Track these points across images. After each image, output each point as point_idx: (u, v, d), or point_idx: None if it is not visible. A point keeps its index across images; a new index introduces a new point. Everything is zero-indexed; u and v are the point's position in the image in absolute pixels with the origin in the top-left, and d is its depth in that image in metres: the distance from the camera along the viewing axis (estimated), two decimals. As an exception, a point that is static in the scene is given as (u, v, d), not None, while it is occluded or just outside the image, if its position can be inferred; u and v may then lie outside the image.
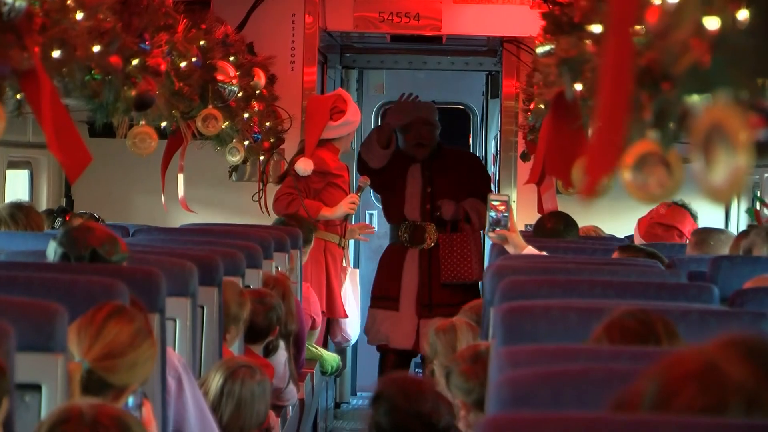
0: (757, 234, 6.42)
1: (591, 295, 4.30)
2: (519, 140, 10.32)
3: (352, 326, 9.66)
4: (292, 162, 9.28)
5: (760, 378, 1.99)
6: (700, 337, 2.24)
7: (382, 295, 10.50)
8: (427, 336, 5.48)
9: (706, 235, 7.38)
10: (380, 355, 10.70)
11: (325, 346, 9.38)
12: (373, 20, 10.29)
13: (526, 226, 9.19)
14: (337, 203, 9.32)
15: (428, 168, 10.49)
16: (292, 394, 6.84)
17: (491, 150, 12.34)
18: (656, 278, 4.94)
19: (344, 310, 9.44)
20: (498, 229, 6.17)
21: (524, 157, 10.06)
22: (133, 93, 5.22)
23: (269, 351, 6.48)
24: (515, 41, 10.37)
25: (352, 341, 10.03)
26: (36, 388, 3.51)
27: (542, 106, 7.01)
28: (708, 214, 9.28)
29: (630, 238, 8.52)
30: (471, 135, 13.64)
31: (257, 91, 8.60)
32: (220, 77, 7.04)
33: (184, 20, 6.22)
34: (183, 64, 6.09)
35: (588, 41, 4.23)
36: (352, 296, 9.64)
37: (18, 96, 3.99)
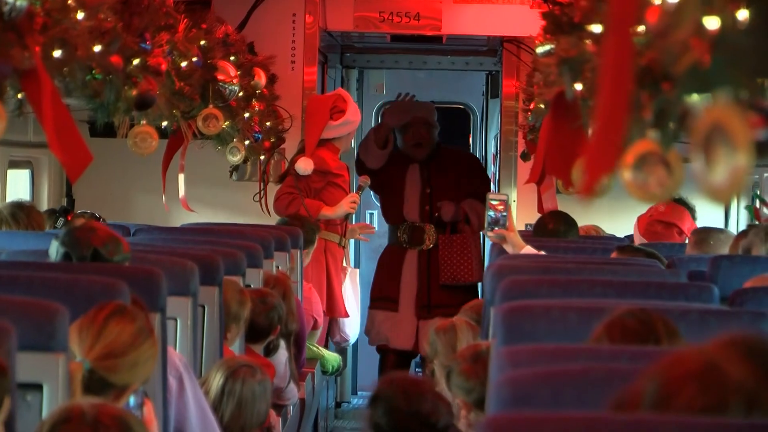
0: (755, 234, 6.43)
1: (591, 294, 4.31)
2: (519, 140, 10.33)
3: (351, 326, 9.66)
4: (293, 161, 9.29)
5: (760, 378, 1.99)
6: (700, 337, 2.24)
7: (381, 296, 10.49)
8: (427, 336, 5.49)
9: (705, 234, 7.38)
10: (380, 355, 10.70)
11: (325, 345, 9.38)
12: (374, 20, 10.30)
13: (526, 225, 9.20)
14: (337, 203, 9.33)
15: (427, 168, 10.46)
16: (293, 393, 6.84)
17: (491, 150, 12.34)
18: (656, 278, 4.94)
19: (345, 310, 9.44)
20: (496, 228, 6.17)
21: (524, 156, 10.06)
22: (134, 92, 5.22)
23: (270, 350, 6.48)
24: (515, 41, 10.38)
25: (352, 341, 10.03)
26: (37, 387, 3.52)
27: (542, 106, 7.01)
28: (708, 214, 9.28)
29: (630, 237, 8.52)
30: (471, 135, 13.64)
31: (258, 91, 8.61)
32: (220, 77, 7.05)
33: (185, 20, 6.22)
34: (184, 64, 6.10)
35: (588, 41, 4.24)
36: (352, 296, 9.64)
37: (19, 95, 3.99)
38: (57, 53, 4.00)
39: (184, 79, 6.13)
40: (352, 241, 10.34)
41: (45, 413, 3.45)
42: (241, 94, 7.69)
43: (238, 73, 7.46)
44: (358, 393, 12.22)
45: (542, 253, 6.11)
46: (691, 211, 8.75)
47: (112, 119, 5.36)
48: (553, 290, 4.34)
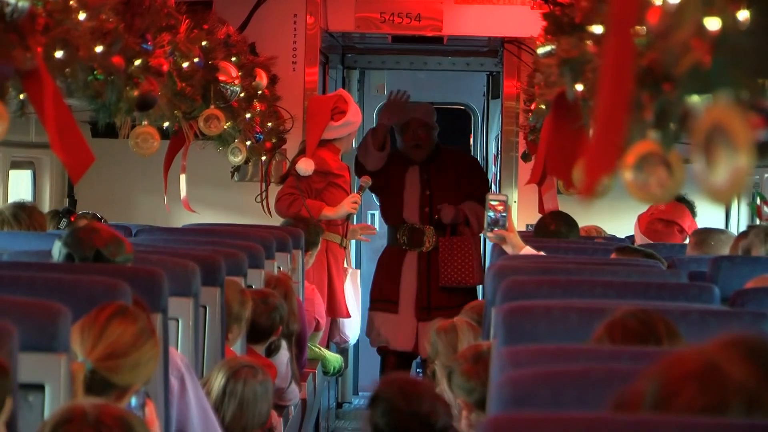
0: (755, 235, 6.43)
1: (592, 295, 4.31)
2: (520, 140, 10.33)
3: (351, 327, 9.66)
4: (294, 162, 9.29)
5: (760, 378, 1.99)
6: (700, 337, 2.25)
7: (380, 298, 10.48)
8: (428, 337, 5.49)
9: (706, 235, 7.39)
10: (381, 356, 10.70)
11: (326, 346, 9.39)
12: (375, 21, 10.30)
13: (527, 226, 9.20)
14: (338, 203, 9.33)
15: (426, 170, 10.45)
16: (294, 394, 6.84)
17: (492, 150, 12.34)
18: (657, 278, 4.95)
19: (347, 310, 9.44)
20: (496, 229, 6.17)
21: (525, 157, 10.06)
22: (136, 93, 5.23)
23: (271, 351, 6.48)
24: (516, 42, 10.38)
25: (352, 342, 10.03)
26: (39, 388, 3.52)
27: (543, 107, 7.01)
28: (708, 214, 9.29)
29: (631, 238, 8.53)
30: (472, 135, 13.65)
31: (259, 92, 8.61)
32: (222, 77, 7.05)
33: (186, 21, 6.23)
34: (185, 65, 6.10)
35: (589, 42, 4.24)
36: (353, 297, 9.64)
37: (21, 96, 3.99)
38: (59, 54, 4.01)
39: (186, 79, 6.14)
40: (353, 241, 10.34)
41: (47, 414, 3.46)
42: (242, 94, 7.69)
43: (240, 73, 7.47)
44: (360, 393, 12.22)
45: (542, 253, 6.12)
46: (691, 207, 8.76)
47: (113, 120, 5.36)
48: (554, 291, 4.34)
